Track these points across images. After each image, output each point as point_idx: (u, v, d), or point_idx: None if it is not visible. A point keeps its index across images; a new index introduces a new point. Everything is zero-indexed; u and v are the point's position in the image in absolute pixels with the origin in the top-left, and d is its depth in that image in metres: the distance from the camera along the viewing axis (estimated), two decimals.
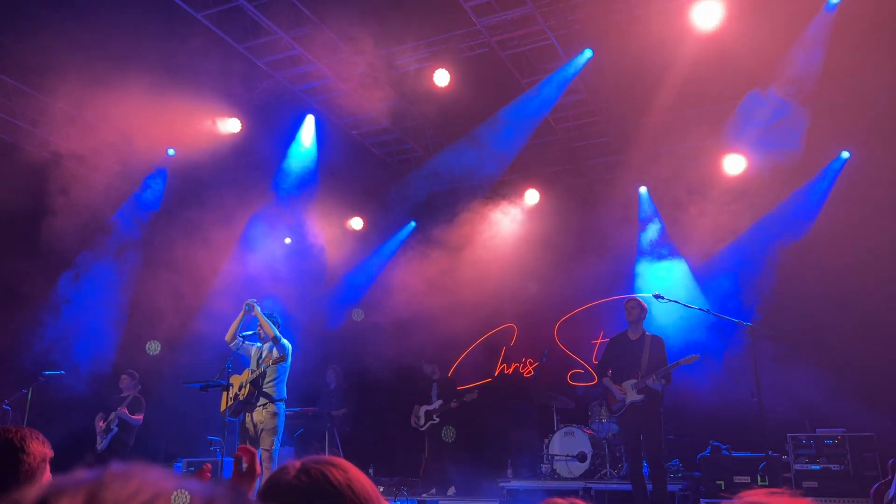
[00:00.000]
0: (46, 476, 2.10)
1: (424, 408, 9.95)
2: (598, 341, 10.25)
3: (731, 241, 9.63)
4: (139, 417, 9.09)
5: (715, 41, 7.85)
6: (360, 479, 1.25)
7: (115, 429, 8.95)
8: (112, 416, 8.96)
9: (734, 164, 9.44)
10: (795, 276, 8.92)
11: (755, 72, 8.63)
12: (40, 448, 2.10)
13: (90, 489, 0.62)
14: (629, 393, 7.01)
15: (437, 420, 9.76)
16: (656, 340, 7.17)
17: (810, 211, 9.41)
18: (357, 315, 11.09)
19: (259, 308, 7.16)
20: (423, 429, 9.89)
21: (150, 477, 0.65)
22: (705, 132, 9.42)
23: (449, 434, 9.48)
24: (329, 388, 10.67)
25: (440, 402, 9.83)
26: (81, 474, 0.65)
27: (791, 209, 9.52)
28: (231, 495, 0.69)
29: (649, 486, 6.99)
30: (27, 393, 7.92)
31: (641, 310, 7.21)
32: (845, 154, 9.39)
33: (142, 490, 0.63)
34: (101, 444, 8.93)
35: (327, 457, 1.29)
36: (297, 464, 1.26)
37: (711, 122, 9.39)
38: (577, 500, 1.67)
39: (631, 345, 7.19)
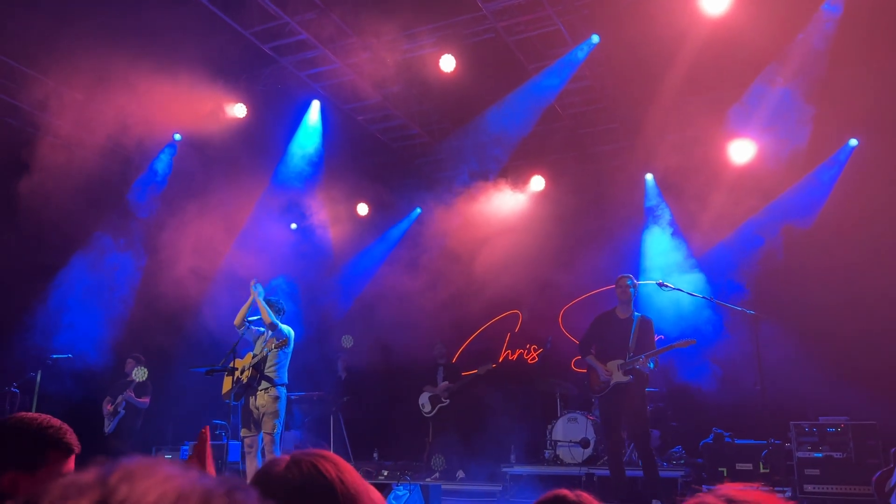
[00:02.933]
0: (54, 470, 2.02)
1: (427, 393, 10.00)
2: None
3: (736, 228, 9.60)
4: (146, 400, 9.18)
5: (723, 27, 7.78)
6: (350, 471, 1.26)
7: (123, 412, 9.04)
8: (119, 399, 9.05)
9: (741, 151, 9.39)
10: (801, 264, 8.89)
11: (763, 58, 8.58)
12: (30, 437, 2.02)
13: (98, 496, 0.62)
14: (615, 373, 6.80)
15: (447, 402, 9.82)
16: (645, 321, 6.97)
17: (817, 198, 9.35)
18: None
19: (262, 292, 7.19)
20: (430, 415, 9.94)
21: (156, 477, 0.65)
22: (712, 119, 9.36)
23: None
24: (339, 378, 10.91)
25: (446, 383, 9.89)
26: (87, 476, 0.64)
27: (798, 197, 9.46)
28: (230, 489, 0.68)
29: (629, 473, 6.86)
30: (35, 376, 7.99)
31: (635, 289, 7.05)
32: (853, 141, 9.33)
33: (148, 492, 0.62)
34: (108, 427, 9.03)
35: (316, 450, 1.30)
36: (287, 457, 1.28)
37: (719, 109, 9.32)
38: (583, 493, 1.67)
39: (619, 324, 6.96)
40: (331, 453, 1.29)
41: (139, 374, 9.03)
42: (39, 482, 1.96)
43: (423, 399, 10.01)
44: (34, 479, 1.96)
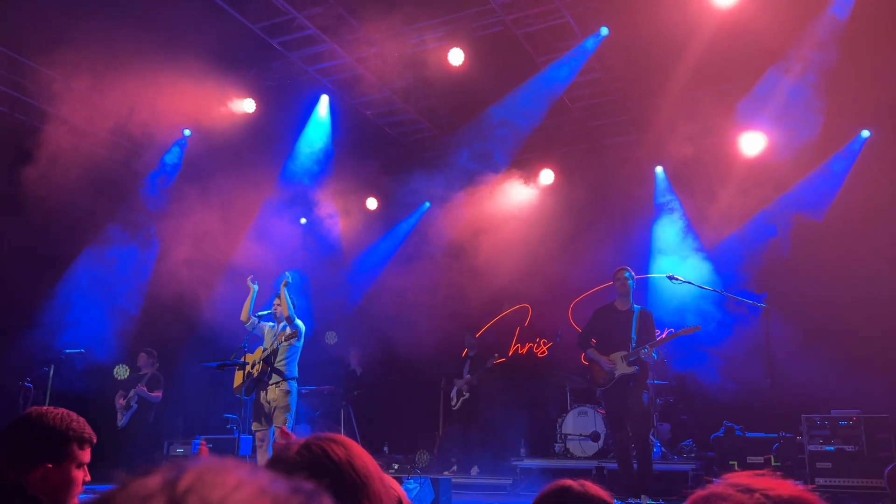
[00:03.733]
0: (75, 459, 2.11)
1: (456, 387, 10.00)
2: None
3: (747, 221, 9.55)
4: (158, 394, 9.24)
5: (733, 17, 7.73)
6: (361, 455, 1.26)
7: (136, 406, 9.11)
8: (132, 393, 9.12)
9: (752, 143, 9.33)
10: (812, 256, 8.84)
11: (774, 49, 8.51)
12: (58, 429, 2.10)
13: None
14: (619, 364, 6.79)
15: (468, 395, 9.82)
16: (645, 313, 6.98)
17: (829, 190, 9.29)
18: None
19: (288, 284, 7.18)
20: (455, 408, 9.93)
21: (226, 485, 0.60)
22: (723, 111, 9.30)
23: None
24: (355, 374, 11.00)
25: (468, 377, 9.89)
26: (152, 483, 0.60)
27: (809, 189, 9.40)
28: (305, 498, 0.65)
29: (635, 465, 6.85)
30: (48, 371, 8.05)
31: (633, 281, 7.05)
32: (865, 133, 9.26)
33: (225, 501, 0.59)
34: (121, 420, 9.11)
35: (330, 434, 1.30)
36: (300, 440, 1.28)
37: (729, 101, 9.26)
38: (588, 482, 1.66)
39: (619, 316, 6.97)
40: (345, 437, 1.30)
41: (120, 371, 9.12)
42: (64, 474, 2.06)
43: (453, 392, 10.02)
44: (60, 472, 2.06)
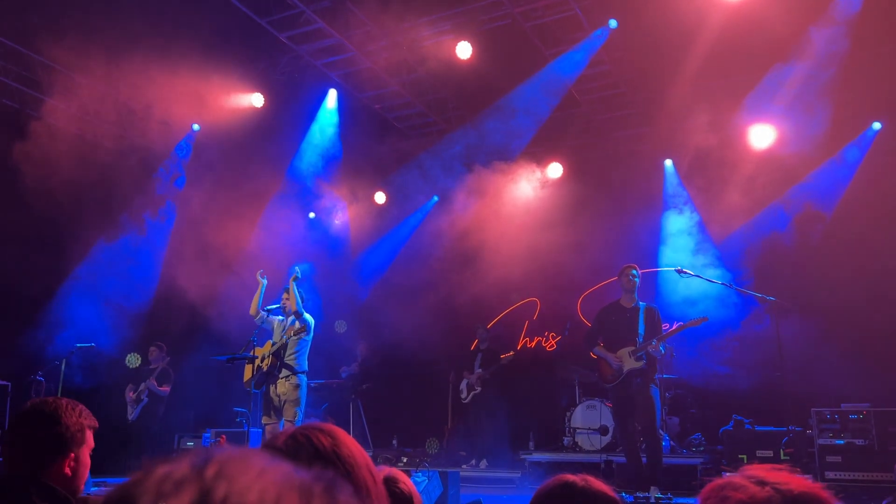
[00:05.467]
0: (88, 445, 2.21)
1: (466, 380, 10.00)
2: None
3: (757, 214, 9.50)
4: (166, 389, 9.31)
5: (742, 9, 7.68)
6: (347, 444, 1.26)
7: (146, 399, 9.18)
8: (142, 387, 9.19)
9: (761, 136, 9.28)
10: (821, 249, 8.80)
11: (783, 41, 8.44)
12: (76, 419, 2.18)
13: (196, 492, 0.59)
14: (626, 360, 6.76)
15: (479, 390, 9.82)
16: (651, 310, 6.96)
17: (839, 184, 9.24)
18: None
19: (297, 279, 7.20)
20: (465, 401, 9.93)
21: (252, 471, 0.62)
22: (732, 104, 9.26)
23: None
24: (355, 368, 10.98)
25: (479, 371, 9.89)
26: (180, 469, 0.61)
27: (819, 182, 9.35)
28: (328, 485, 0.66)
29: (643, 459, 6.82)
30: (60, 365, 8.11)
31: (639, 279, 7.04)
32: (877, 125, 9.19)
33: (249, 489, 0.60)
34: (131, 414, 9.18)
35: (319, 423, 1.31)
36: (289, 431, 1.29)
37: (738, 93, 9.21)
38: (590, 477, 1.66)
39: (625, 313, 6.96)
40: (333, 427, 1.29)
41: (132, 360, 9.20)
42: (83, 460, 2.15)
43: (463, 385, 10.03)
44: (80, 459, 2.19)
